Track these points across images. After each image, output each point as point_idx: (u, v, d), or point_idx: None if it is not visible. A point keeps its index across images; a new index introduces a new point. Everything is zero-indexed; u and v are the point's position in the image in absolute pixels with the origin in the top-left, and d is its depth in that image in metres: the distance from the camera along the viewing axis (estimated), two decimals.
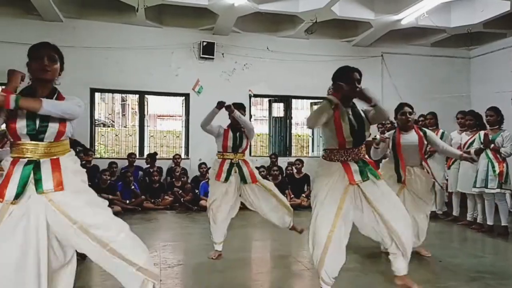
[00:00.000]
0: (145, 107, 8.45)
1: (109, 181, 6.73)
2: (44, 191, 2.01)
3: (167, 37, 7.99)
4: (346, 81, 2.66)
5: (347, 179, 2.66)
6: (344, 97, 2.69)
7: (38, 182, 2.02)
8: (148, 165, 7.58)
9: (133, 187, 7.02)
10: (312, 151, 9.54)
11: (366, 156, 2.81)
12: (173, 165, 7.75)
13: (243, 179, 3.83)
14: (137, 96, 8.31)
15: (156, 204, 6.98)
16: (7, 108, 1.92)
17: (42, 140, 2.06)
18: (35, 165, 2.04)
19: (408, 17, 7.45)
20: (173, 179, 7.36)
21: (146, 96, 8.39)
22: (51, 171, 2.05)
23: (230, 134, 3.89)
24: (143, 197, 7.00)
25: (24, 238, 1.95)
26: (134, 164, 7.59)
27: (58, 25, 7.36)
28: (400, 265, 2.78)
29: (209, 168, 7.13)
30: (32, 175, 2.02)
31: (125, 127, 10.65)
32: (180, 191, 7.13)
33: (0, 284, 1.91)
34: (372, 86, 9.12)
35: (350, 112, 2.74)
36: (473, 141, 5.32)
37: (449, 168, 5.83)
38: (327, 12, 7.32)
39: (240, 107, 3.94)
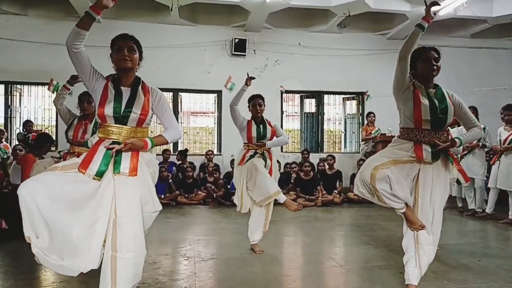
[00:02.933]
0: (179, 104, 8.64)
1: None
2: (120, 172, 2.18)
3: (200, 35, 8.12)
4: (422, 61, 2.57)
5: (416, 155, 2.51)
6: (423, 77, 2.58)
7: (116, 163, 2.19)
8: (180, 162, 7.75)
9: (170, 180, 7.22)
10: (345, 147, 9.41)
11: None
12: (205, 161, 7.88)
13: (264, 158, 3.87)
14: (171, 93, 8.51)
15: (189, 199, 7.14)
16: (145, 149, 2.25)
17: (125, 124, 2.24)
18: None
19: (446, 8, 7.17)
20: (206, 175, 7.48)
21: (179, 93, 8.57)
22: (130, 156, 2.21)
23: (254, 125, 3.91)
24: (177, 192, 7.18)
25: (94, 205, 2.11)
26: (169, 160, 7.79)
27: (97, 26, 7.47)
28: (411, 272, 2.60)
29: None
30: (113, 156, 2.19)
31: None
32: (213, 186, 7.25)
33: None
34: None
35: (432, 93, 2.60)
36: None
37: (493, 164, 5.56)
38: (360, 5, 7.18)
39: (260, 97, 4.00)
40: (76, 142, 3.86)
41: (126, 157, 2.21)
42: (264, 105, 3.98)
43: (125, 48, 2.26)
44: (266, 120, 4.01)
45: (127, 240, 2.13)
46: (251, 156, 3.86)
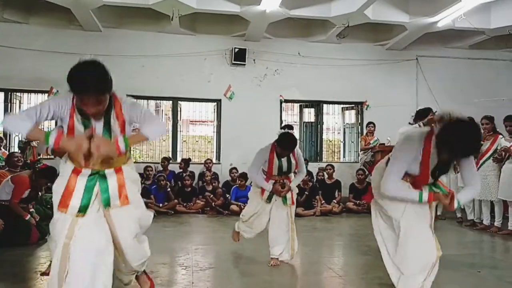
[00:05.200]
0: (178, 112, 8.65)
1: (143, 185, 6.90)
2: (111, 206, 2.01)
3: (200, 44, 8.17)
4: (449, 152, 2.18)
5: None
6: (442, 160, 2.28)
7: (105, 196, 1.98)
8: (181, 170, 7.73)
9: (169, 189, 7.20)
10: (344, 156, 9.41)
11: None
12: (204, 170, 7.86)
13: (284, 200, 3.73)
14: (171, 102, 8.52)
15: (188, 207, 7.10)
16: (120, 155, 1.86)
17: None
18: (100, 177, 1.97)
19: (444, 19, 7.24)
20: (205, 184, 7.46)
21: (179, 102, 8.59)
22: (117, 186, 2.01)
23: (276, 161, 3.65)
24: (175, 201, 7.15)
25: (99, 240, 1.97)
26: (168, 168, 7.76)
27: (97, 34, 7.70)
28: None
29: (241, 173, 7.21)
30: (97, 187, 1.97)
31: None
32: (211, 195, 7.22)
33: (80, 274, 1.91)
34: (406, 90, 9.03)
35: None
36: None
37: None
38: (359, 15, 7.23)
39: (290, 128, 3.84)
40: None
41: (114, 188, 2.00)
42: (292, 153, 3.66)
43: (89, 104, 1.84)
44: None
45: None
46: (271, 192, 3.69)
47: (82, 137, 1.78)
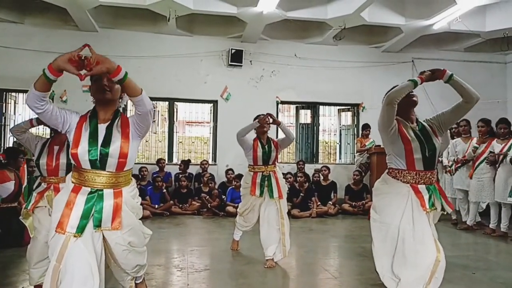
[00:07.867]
0: (175, 113, 8.64)
1: (139, 186, 6.88)
2: (102, 228, 1.97)
3: (197, 45, 8.16)
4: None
5: (420, 204, 2.35)
6: (403, 111, 2.47)
7: (97, 217, 1.94)
8: (180, 171, 7.72)
9: (164, 190, 7.18)
10: (340, 158, 9.43)
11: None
12: (200, 171, 7.85)
13: (270, 193, 3.85)
14: (167, 103, 8.51)
15: (183, 209, 7.09)
16: (115, 75, 1.78)
17: (103, 169, 1.96)
18: (98, 196, 1.95)
19: (440, 22, 7.28)
20: (201, 185, 7.45)
21: (175, 102, 8.58)
22: (113, 208, 1.98)
23: (259, 146, 3.93)
24: (171, 202, 7.13)
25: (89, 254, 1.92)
26: (164, 169, 7.75)
27: (94, 35, 7.67)
28: None
29: (237, 175, 7.22)
30: (94, 207, 1.94)
31: (154, 133, 10.88)
32: (207, 196, 7.21)
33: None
34: None
35: (416, 128, 2.49)
36: (508, 148, 5.15)
37: (471, 178, 5.60)
38: (356, 18, 7.26)
39: (267, 113, 4.03)
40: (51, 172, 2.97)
41: (108, 210, 1.97)
42: (271, 122, 4.00)
43: (104, 77, 1.95)
44: (272, 139, 4.02)
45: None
46: (261, 186, 3.86)
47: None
